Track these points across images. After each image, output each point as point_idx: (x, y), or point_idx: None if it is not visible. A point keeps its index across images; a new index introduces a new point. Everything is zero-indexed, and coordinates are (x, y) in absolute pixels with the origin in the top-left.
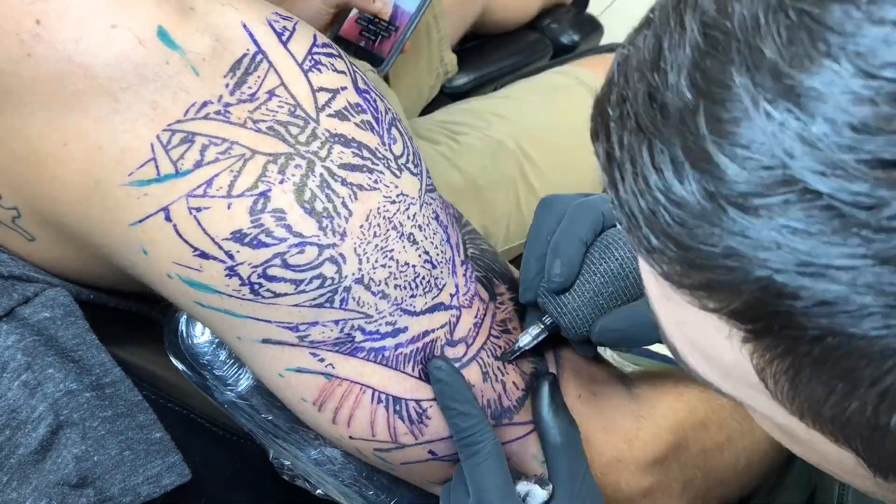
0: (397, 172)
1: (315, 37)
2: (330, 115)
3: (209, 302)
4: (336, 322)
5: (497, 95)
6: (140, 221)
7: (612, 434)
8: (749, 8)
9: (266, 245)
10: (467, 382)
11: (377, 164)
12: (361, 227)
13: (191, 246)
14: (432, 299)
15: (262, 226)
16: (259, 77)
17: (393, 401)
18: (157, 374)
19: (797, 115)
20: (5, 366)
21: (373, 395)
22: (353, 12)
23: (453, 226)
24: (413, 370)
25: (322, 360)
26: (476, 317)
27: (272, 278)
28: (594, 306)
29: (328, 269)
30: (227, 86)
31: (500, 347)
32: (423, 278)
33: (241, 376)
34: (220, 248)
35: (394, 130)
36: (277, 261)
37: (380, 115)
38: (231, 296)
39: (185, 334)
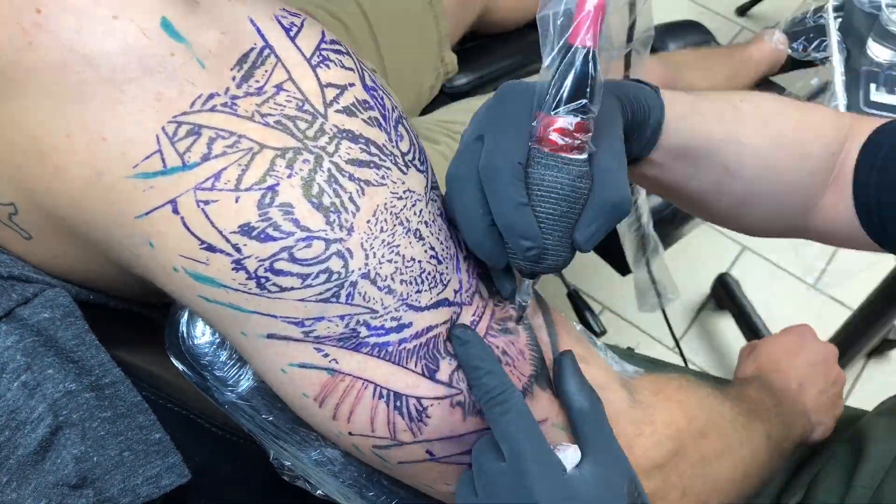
0: (404, 169)
1: (323, 33)
2: (338, 111)
3: (215, 296)
4: (341, 317)
5: None
6: (146, 214)
7: None
8: None
9: (273, 239)
10: (466, 382)
11: (384, 161)
12: (368, 222)
13: (198, 239)
14: (437, 295)
15: (270, 219)
16: (266, 71)
17: (394, 396)
18: (156, 375)
19: None
20: (5, 366)
21: (374, 390)
22: None
23: None
24: (416, 366)
25: (326, 355)
26: (474, 314)
27: (279, 272)
28: (564, 237)
29: (335, 264)
30: (233, 79)
31: (498, 346)
32: (429, 274)
33: (242, 377)
34: (228, 241)
35: (400, 128)
36: (284, 255)
37: (387, 112)
38: (237, 290)
39: (185, 335)
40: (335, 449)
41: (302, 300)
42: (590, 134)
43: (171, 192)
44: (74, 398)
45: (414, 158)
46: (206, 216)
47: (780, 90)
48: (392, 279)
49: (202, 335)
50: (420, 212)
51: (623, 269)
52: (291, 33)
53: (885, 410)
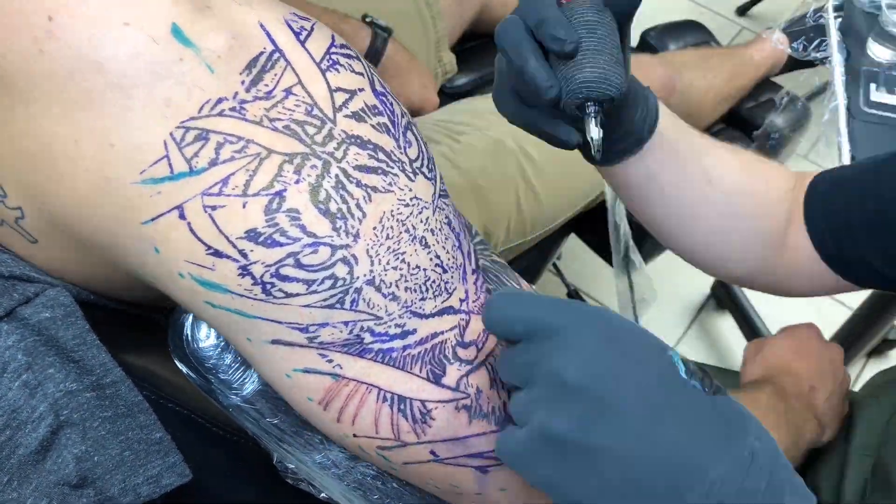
0: (412, 176)
1: (333, 37)
2: (347, 116)
3: (220, 302)
4: (346, 323)
5: None
6: (153, 220)
7: None
8: None
9: (280, 244)
10: (475, 387)
11: (392, 167)
12: (374, 228)
13: (205, 244)
14: (442, 303)
15: (277, 225)
16: (276, 75)
17: (398, 399)
18: (157, 375)
19: None
20: (6, 366)
21: (378, 394)
22: None
23: (465, 234)
24: (420, 371)
25: (330, 360)
26: None
27: (285, 278)
28: (612, 59)
29: (340, 270)
30: (242, 83)
31: None
32: (434, 282)
33: (247, 380)
34: (234, 246)
35: (409, 134)
36: (291, 260)
37: (396, 119)
38: (242, 295)
39: (190, 338)
40: (340, 452)
41: (307, 306)
42: None
43: (177, 198)
44: (75, 398)
45: (422, 165)
46: (213, 221)
47: (779, 90)
48: (397, 286)
49: (206, 338)
50: (426, 219)
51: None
52: (301, 37)
53: (865, 388)
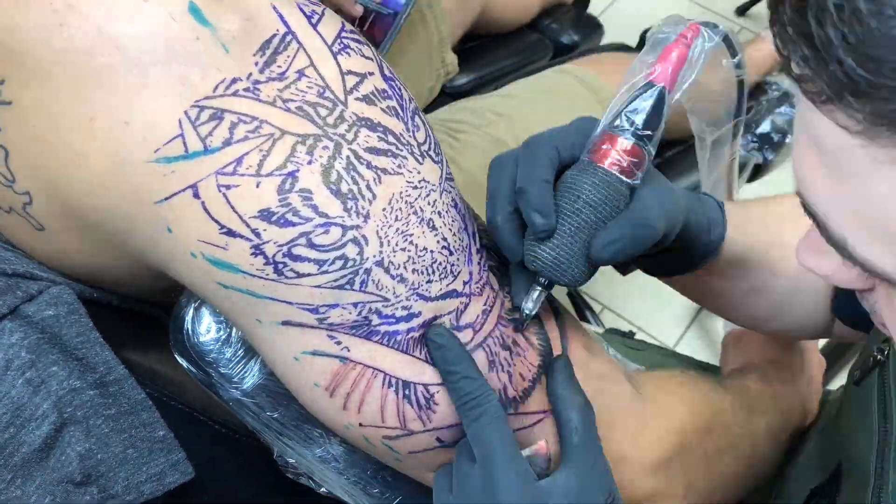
0: (420, 159)
1: (343, 23)
2: (358, 99)
3: (232, 282)
4: (355, 304)
5: (497, 94)
6: (166, 199)
7: (617, 432)
8: None
9: (293, 224)
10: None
11: (401, 150)
12: (384, 210)
13: (218, 223)
14: (447, 286)
15: (290, 205)
16: (289, 57)
17: (402, 385)
18: (160, 372)
19: None
20: (9, 363)
21: (384, 379)
22: None
23: (470, 216)
24: (421, 353)
25: (339, 342)
26: (486, 304)
27: (297, 258)
28: (582, 248)
29: (350, 250)
30: (256, 64)
31: (508, 336)
32: (440, 264)
33: (247, 374)
34: (248, 226)
35: (417, 119)
36: (303, 240)
37: (404, 103)
38: (255, 275)
39: (190, 332)
40: (340, 446)
41: (318, 286)
42: (641, 168)
43: (192, 177)
44: (79, 395)
45: (429, 149)
46: (227, 201)
47: (778, 89)
48: (405, 268)
49: (207, 332)
50: (434, 202)
51: (623, 268)
52: (313, 20)
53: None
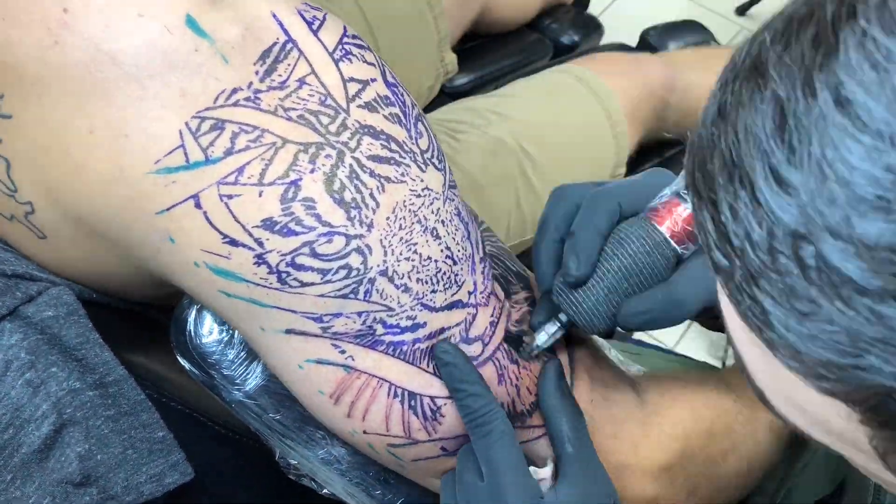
0: (423, 167)
1: (345, 28)
2: (360, 106)
3: (235, 291)
4: (359, 314)
5: (497, 94)
6: (167, 210)
7: (620, 440)
8: None
9: (296, 233)
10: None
11: (404, 158)
12: (388, 218)
13: (220, 233)
14: (451, 296)
15: (293, 214)
16: (289, 65)
17: (408, 396)
18: (159, 373)
19: None
20: (9, 364)
21: (389, 389)
22: None
23: (473, 223)
24: (428, 365)
25: (343, 351)
26: (493, 315)
27: (300, 267)
28: (610, 303)
29: (354, 260)
30: (256, 73)
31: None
32: (445, 274)
33: (249, 376)
34: (251, 235)
35: (420, 125)
36: (306, 249)
37: (407, 109)
38: (258, 284)
39: (193, 333)
40: (342, 447)
41: (321, 296)
42: (695, 239)
43: (193, 187)
44: (78, 396)
45: (433, 157)
46: (229, 210)
47: None
48: (409, 277)
49: (209, 334)
50: (437, 210)
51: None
52: (314, 27)
53: None
